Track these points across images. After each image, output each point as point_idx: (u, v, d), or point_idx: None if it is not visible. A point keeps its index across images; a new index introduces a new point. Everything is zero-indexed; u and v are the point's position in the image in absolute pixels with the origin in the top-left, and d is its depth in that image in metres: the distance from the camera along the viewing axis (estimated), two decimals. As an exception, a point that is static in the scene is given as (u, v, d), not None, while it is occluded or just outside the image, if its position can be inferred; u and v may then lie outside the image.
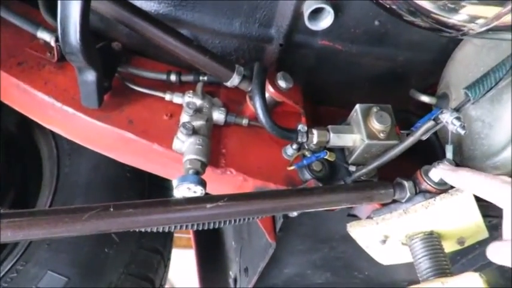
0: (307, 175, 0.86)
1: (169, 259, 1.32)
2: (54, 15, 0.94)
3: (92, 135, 0.92)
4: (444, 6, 0.38)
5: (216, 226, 0.71)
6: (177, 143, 0.82)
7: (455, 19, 0.40)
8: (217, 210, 0.65)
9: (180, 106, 0.90)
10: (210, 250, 1.50)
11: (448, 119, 0.73)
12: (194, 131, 0.82)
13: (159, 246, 1.19)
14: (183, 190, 0.77)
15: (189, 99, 0.88)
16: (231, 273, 1.37)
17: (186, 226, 0.69)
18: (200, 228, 0.70)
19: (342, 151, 0.90)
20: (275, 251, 1.06)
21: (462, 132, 0.72)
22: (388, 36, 0.96)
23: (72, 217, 0.57)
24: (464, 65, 0.90)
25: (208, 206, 0.64)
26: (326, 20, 0.87)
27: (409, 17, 0.45)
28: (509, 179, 0.62)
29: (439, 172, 0.75)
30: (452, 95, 0.92)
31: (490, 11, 0.36)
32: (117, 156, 0.97)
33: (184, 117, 0.85)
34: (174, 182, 0.77)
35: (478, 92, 0.72)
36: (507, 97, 0.76)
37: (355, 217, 0.95)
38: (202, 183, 0.77)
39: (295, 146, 0.90)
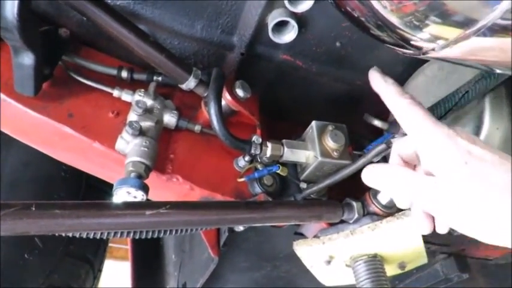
0: (258, 189, 0.84)
1: (100, 270, 1.20)
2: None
3: (25, 127, 0.83)
4: (410, 22, 0.38)
5: (156, 235, 0.65)
6: (121, 143, 0.76)
7: (418, 37, 0.40)
8: (157, 218, 0.59)
9: (129, 105, 0.84)
10: (148, 263, 1.40)
11: (399, 143, 0.74)
12: (141, 132, 0.76)
13: (89, 255, 1.08)
14: (122, 194, 0.70)
15: (139, 98, 0.82)
16: (168, 287, 1.28)
17: (122, 233, 0.62)
18: (137, 237, 0.64)
19: (294, 167, 0.89)
20: (217, 266, 1.01)
21: (411, 157, 0.73)
22: (348, 59, 0.97)
23: (-17, 214, 0.49)
24: (416, 94, 0.92)
25: (148, 212, 0.58)
26: (290, 34, 0.87)
27: (376, 31, 0.45)
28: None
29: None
30: (403, 121, 0.95)
31: (451, 33, 0.37)
32: (52, 153, 0.88)
33: (132, 116, 0.79)
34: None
35: (428, 120, 0.73)
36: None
37: (301, 236, 0.93)
38: (144, 188, 0.71)
39: (247, 158, 0.87)
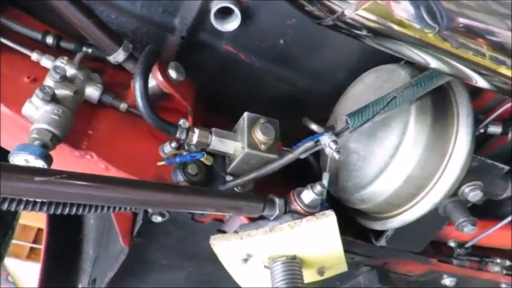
0: (180, 177, 0.79)
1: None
2: None
3: None
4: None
5: (45, 210, 0.58)
6: (29, 107, 0.69)
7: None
8: (48, 187, 0.53)
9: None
10: (62, 260, 1.28)
11: (326, 142, 0.74)
12: (54, 99, 0.70)
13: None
14: (18, 162, 0.63)
15: (60, 64, 0.75)
16: (80, 286, 1.17)
17: (4, 201, 0.54)
18: (22, 209, 0.56)
19: (223, 160, 0.85)
20: (133, 263, 0.94)
21: (337, 156, 0.72)
22: (291, 58, 0.97)
23: None
24: (354, 101, 0.94)
25: (37, 179, 0.52)
26: (233, 23, 0.85)
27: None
28: None
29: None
30: (338, 128, 0.95)
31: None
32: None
33: (48, 82, 0.72)
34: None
35: (357, 121, 0.73)
36: (381, 134, 0.80)
37: (224, 233, 0.89)
38: (47, 159, 0.64)
39: (174, 144, 0.82)
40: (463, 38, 0.51)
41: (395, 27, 0.41)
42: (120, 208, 0.70)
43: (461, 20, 0.49)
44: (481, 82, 0.63)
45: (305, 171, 1.01)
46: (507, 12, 0.50)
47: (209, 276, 1.07)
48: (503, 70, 0.58)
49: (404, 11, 0.37)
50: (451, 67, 0.60)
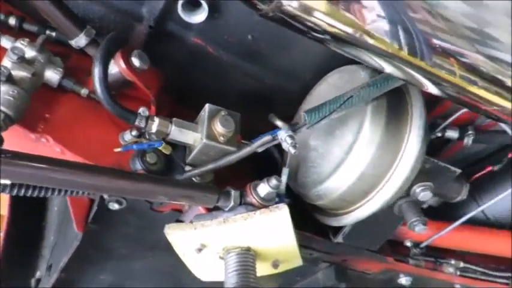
0: (138, 165, 0.79)
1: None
2: None
3: None
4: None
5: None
6: (-17, 87, 0.68)
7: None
8: (-9, 165, 0.53)
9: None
10: (23, 247, 1.26)
11: (282, 136, 0.75)
12: (10, 80, 0.69)
13: None
14: (-33, 140, 0.62)
15: (18, 46, 0.74)
16: (39, 273, 1.16)
17: None
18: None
19: (184, 150, 0.86)
20: (88, 250, 0.94)
21: (292, 151, 0.74)
22: (259, 54, 0.98)
23: None
24: (317, 99, 0.95)
25: (-20, 156, 0.51)
26: (200, 15, 0.85)
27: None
28: None
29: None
30: (302, 125, 0.97)
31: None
32: None
33: (5, 63, 0.71)
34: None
35: (314, 118, 0.75)
36: (339, 132, 0.82)
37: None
38: (-3, 139, 0.63)
39: (134, 133, 0.82)
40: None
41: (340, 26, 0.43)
42: (72, 192, 0.70)
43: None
44: (432, 89, 0.66)
45: (273, 167, 1.02)
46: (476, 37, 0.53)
47: (171, 267, 1.07)
48: (474, 89, 0.60)
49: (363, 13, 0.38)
50: (405, 73, 0.63)
